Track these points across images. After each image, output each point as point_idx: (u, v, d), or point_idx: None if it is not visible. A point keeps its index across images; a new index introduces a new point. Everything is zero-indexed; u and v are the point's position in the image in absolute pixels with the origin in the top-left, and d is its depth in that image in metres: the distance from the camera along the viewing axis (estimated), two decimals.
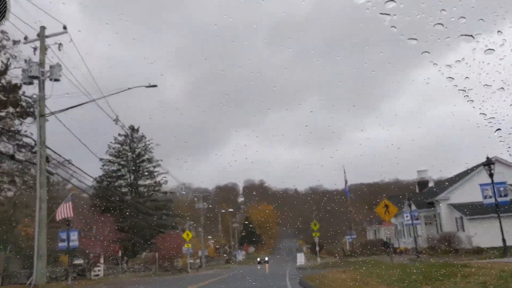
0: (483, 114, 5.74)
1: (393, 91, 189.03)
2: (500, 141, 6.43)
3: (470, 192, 30.32)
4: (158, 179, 61.52)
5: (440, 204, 34.01)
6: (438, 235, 33.00)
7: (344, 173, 41.97)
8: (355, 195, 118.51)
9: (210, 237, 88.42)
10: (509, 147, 7.82)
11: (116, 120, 30.21)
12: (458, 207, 32.68)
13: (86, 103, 24.51)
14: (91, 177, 52.50)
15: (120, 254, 39.57)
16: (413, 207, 35.47)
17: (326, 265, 32.32)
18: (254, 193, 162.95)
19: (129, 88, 24.97)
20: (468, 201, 31.09)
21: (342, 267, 23.50)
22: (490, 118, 5.57)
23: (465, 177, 33.43)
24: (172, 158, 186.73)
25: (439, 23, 4.42)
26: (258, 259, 69.25)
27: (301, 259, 44.35)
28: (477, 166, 32.81)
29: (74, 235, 27.15)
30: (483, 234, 28.80)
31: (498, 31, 5.06)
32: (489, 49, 5.02)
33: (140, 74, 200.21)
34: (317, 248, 48.31)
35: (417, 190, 45.94)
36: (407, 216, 34.14)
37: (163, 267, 47.38)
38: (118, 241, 38.34)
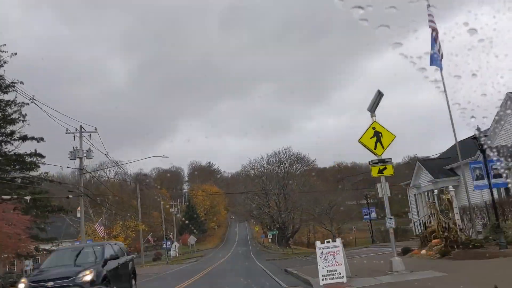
0: (457, 104, 5.21)
1: (345, 79, 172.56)
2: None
3: None
4: (9, 111, 35.73)
5: None
6: None
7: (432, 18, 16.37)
8: (320, 178, 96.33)
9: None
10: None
11: None
12: None
13: None
14: None
15: None
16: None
17: None
18: (201, 176, 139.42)
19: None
20: None
21: None
22: (462, 108, 5.00)
23: None
24: (116, 146, 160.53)
25: None
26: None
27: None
28: None
29: None
30: None
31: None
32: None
33: (83, 57, 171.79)
34: (391, 225, 14.08)
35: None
36: None
37: None
38: None
